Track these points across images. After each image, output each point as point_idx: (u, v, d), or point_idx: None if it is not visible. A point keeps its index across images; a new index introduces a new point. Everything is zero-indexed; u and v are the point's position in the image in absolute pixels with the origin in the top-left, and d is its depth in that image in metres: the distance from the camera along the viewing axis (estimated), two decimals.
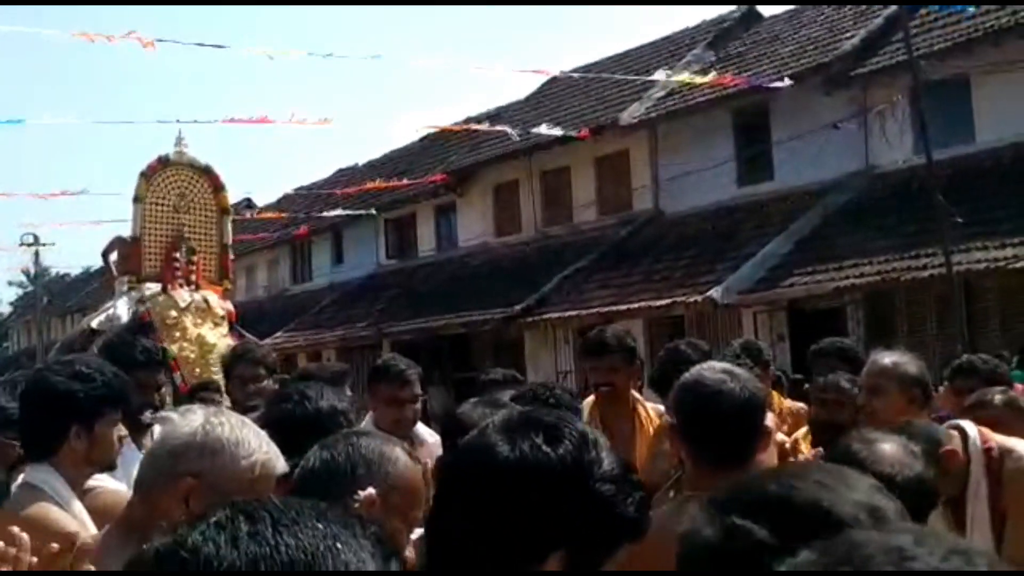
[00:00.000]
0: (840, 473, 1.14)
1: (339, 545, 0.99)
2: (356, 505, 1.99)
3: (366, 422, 4.63)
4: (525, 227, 24.10)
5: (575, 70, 21.05)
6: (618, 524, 1.45)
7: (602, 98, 22.60)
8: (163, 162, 7.66)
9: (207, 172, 7.80)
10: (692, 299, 16.69)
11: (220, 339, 7.16)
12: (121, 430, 3.16)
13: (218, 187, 7.84)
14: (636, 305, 17.76)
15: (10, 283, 63.62)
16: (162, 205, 7.62)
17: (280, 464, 2.23)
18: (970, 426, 3.33)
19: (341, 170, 34.69)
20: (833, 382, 4.76)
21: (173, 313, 7.14)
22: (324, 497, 2.00)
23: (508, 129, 19.23)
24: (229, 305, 7.57)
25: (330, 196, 29.64)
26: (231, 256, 8.18)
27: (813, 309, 15.79)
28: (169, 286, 7.33)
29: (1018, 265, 13.25)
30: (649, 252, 19.74)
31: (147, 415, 3.07)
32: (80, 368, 3.17)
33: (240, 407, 4.35)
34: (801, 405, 5.52)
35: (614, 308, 18.02)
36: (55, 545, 2.08)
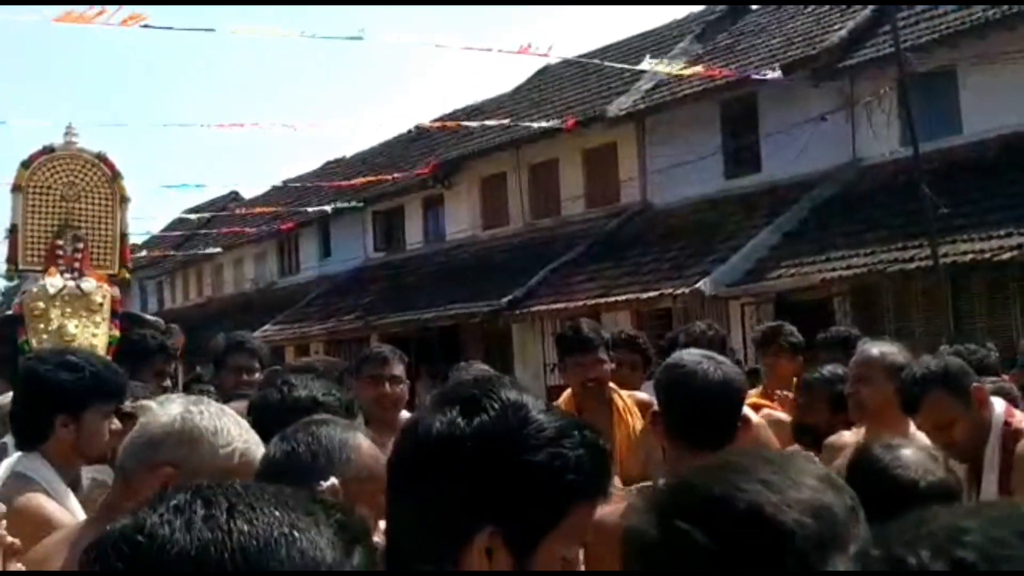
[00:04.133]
0: (787, 468, 1.11)
1: (296, 533, 0.98)
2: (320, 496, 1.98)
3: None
4: (513, 220, 24.10)
5: (562, 62, 21.02)
6: (557, 489, 1.40)
7: (589, 90, 22.59)
8: (47, 151, 7.49)
9: (102, 160, 7.59)
10: (680, 291, 16.70)
11: (93, 328, 7.02)
12: (115, 422, 3.14)
13: (115, 175, 7.64)
14: (624, 297, 17.78)
15: None
16: (47, 194, 7.38)
17: (260, 452, 2.22)
18: (999, 401, 3.36)
19: (329, 163, 34.66)
20: (806, 380, 4.73)
21: (41, 304, 7.00)
22: None
23: (490, 121, 19.17)
24: (115, 292, 7.42)
25: (318, 189, 29.61)
26: (129, 245, 8.02)
27: (800, 301, 15.81)
28: (47, 274, 7.21)
29: (1004, 257, 13.29)
30: (637, 244, 19.74)
31: (127, 404, 3.06)
32: (69, 359, 3.19)
33: (227, 396, 4.34)
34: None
35: (602, 300, 18.04)
36: None
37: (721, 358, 2.72)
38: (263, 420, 2.50)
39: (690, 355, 2.72)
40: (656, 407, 2.81)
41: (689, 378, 2.63)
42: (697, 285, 16.49)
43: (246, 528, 0.97)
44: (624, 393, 4.98)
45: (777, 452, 1.19)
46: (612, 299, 17.92)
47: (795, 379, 5.50)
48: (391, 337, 21.86)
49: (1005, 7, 15.26)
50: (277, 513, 0.99)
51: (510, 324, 20.53)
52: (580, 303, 18.30)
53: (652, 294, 17.25)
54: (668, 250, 18.68)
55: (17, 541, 2.13)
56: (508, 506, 1.37)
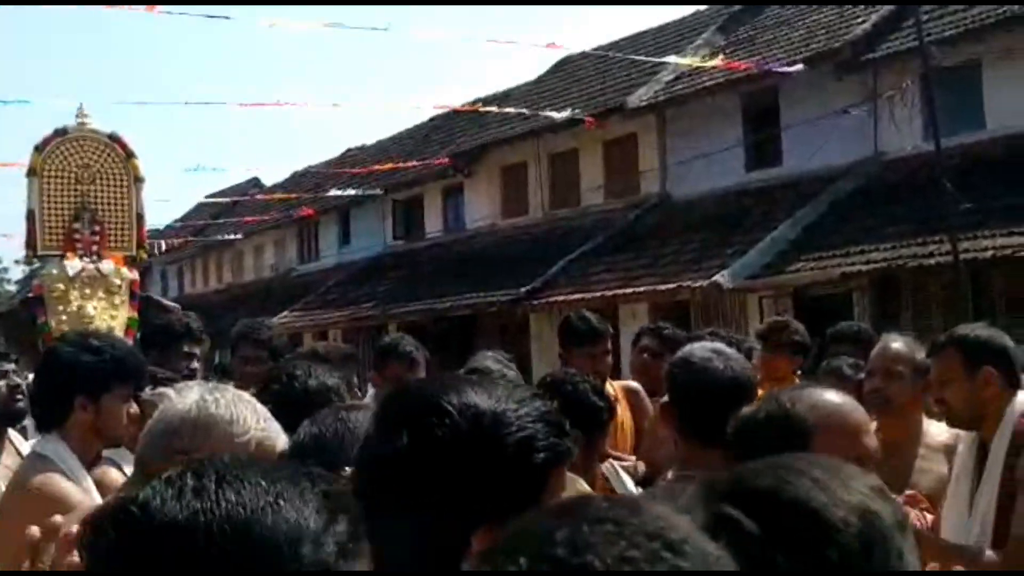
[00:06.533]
0: (839, 473, 1.12)
1: (281, 502, 1.03)
2: (344, 481, 1.99)
3: (368, 398, 4.65)
4: (532, 209, 24.09)
5: (585, 52, 20.99)
6: (532, 470, 1.39)
7: (611, 81, 22.55)
8: (60, 134, 7.48)
9: (115, 140, 7.59)
10: (698, 284, 16.67)
11: (111, 309, 7.07)
12: (133, 407, 3.17)
13: (128, 155, 7.63)
14: (642, 289, 17.76)
15: None
16: (61, 177, 7.39)
17: (281, 441, 2.20)
18: (1023, 394, 3.39)
19: (350, 150, 34.72)
20: (831, 369, 4.72)
21: (60, 286, 7.06)
22: None
23: (510, 109, 19.18)
24: (133, 274, 7.45)
25: (338, 176, 29.66)
26: (146, 225, 8.04)
27: (819, 295, 15.77)
28: (66, 257, 7.24)
29: None
30: (656, 236, 19.72)
31: (146, 392, 3.09)
32: (91, 341, 3.23)
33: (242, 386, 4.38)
34: None
35: (620, 292, 18.01)
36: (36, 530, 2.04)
37: (732, 353, 2.73)
38: (279, 414, 2.52)
39: (701, 350, 2.74)
40: (665, 398, 2.83)
41: (699, 374, 2.65)
42: (715, 278, 16.45)
43: (233, 497, 1.02)
44: (617, 384, 5.05)
45: (829, 459, 1.19)
46: (630, 291, 17.89)
47: (796, 378, 5.49)
48: (408, 326, 21.91)
49: None
50: (264, 483, 1.05)
51: (528, 314, 20.53)
52: (598, 294, 18.29)
53: (670, 286, 17.21)
54: (687, 242, 18.64)
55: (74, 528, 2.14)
56: (494, 503, 1.36)
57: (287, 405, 2.66)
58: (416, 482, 1.38)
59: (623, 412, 4.95)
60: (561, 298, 19.38)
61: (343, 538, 1.06)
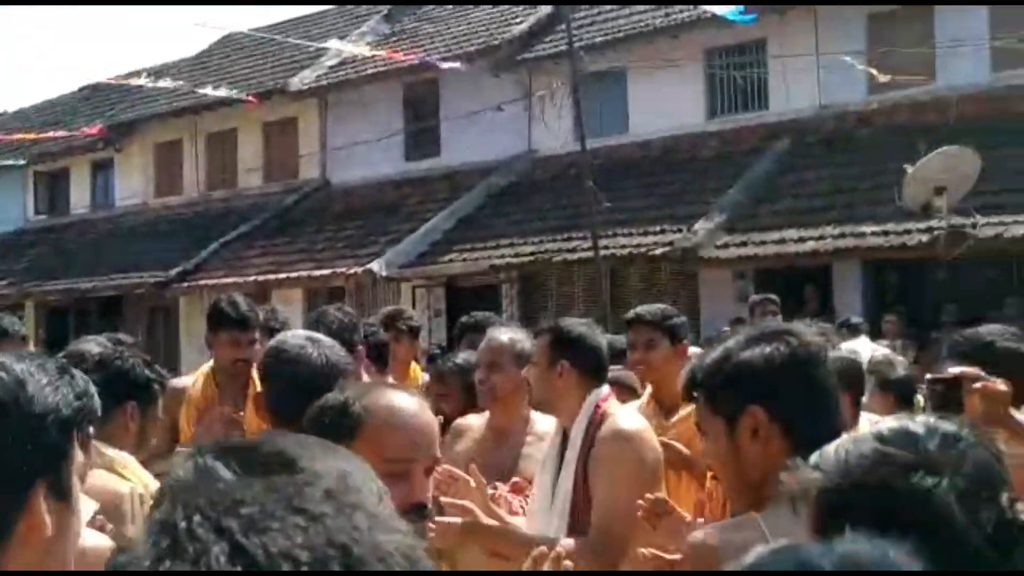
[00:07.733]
0: (324, 443, 1.19)
1: None
2: None
3: None
4: (187, 189, 23.30)
5: (248, 30, 20.48)
6: (66, 426, 1.40)
7: (274, 62, 22.14)
8: None
9: None
10: (352, 271, 16.69)
11: None
12: None
13: None
14: (296, 275, 17.60)
15: None
16: None
17: None
18: (605, 387, 3.50)
19: None
20: (440, 370, 4.78)
21: None
22: None
23: (165, 83, 18.44)
24: None
25: None
26: None
27: (470, 286, 16.17)
28: None
29: (657, 252, 14.08)
30: (313, 221, 19.58)
31: None
32: None
33: None
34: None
35: (273, 276, 17.77)
36: None
37: (326, 340, 2.69)
38: None
39: (294, 338, 2.72)
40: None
41: (291, 363, 2.62)
42: (370, 265, 16.52)
43: None
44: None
45: (322, 440, 1.27)
46: (284, 276, 17.69)
47: (413, 361, 5.87)
48: (48, 306, 20.68)
49: (672, 16, 16.16)
50: None
51: (178, 297, 19.86)
52: (251, 278, 17.95)
53: (324, 272, 17.16)
54: (344, 229, 18.63)
55: None
56: (41, 462, 1.36)
57: None
58: None
59: None
60: (213, 282, 18.86)
61: None
